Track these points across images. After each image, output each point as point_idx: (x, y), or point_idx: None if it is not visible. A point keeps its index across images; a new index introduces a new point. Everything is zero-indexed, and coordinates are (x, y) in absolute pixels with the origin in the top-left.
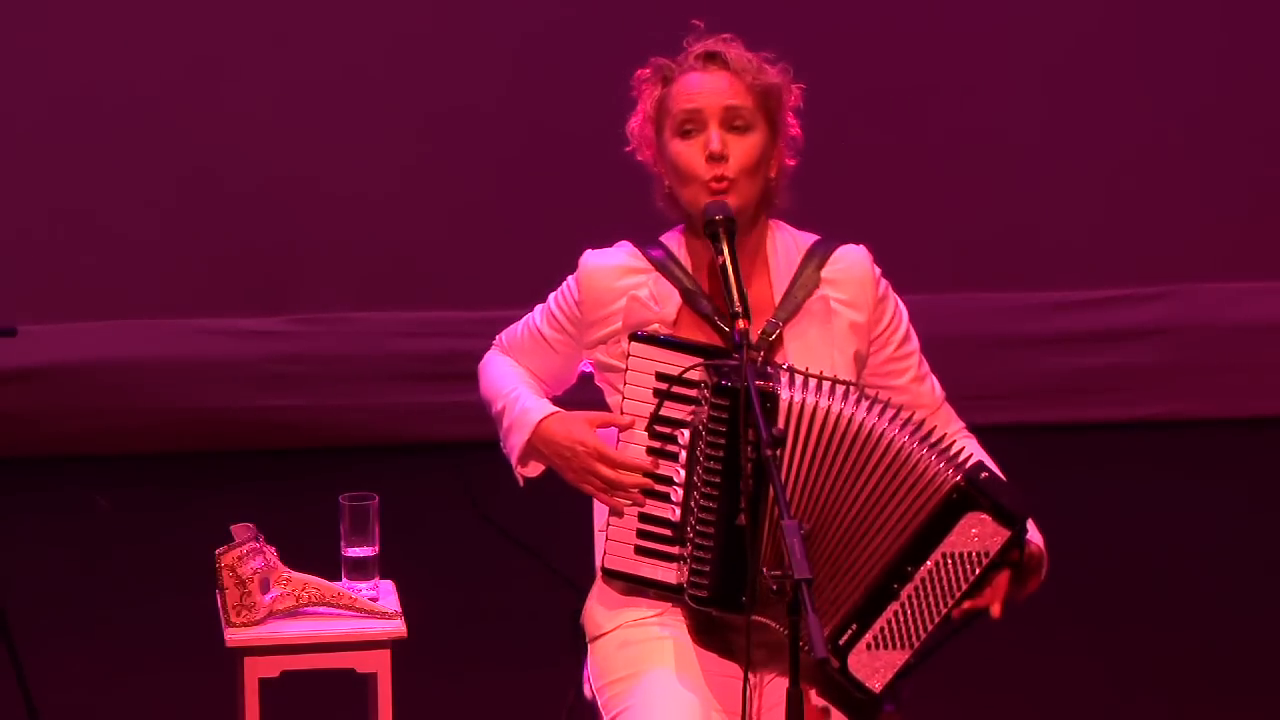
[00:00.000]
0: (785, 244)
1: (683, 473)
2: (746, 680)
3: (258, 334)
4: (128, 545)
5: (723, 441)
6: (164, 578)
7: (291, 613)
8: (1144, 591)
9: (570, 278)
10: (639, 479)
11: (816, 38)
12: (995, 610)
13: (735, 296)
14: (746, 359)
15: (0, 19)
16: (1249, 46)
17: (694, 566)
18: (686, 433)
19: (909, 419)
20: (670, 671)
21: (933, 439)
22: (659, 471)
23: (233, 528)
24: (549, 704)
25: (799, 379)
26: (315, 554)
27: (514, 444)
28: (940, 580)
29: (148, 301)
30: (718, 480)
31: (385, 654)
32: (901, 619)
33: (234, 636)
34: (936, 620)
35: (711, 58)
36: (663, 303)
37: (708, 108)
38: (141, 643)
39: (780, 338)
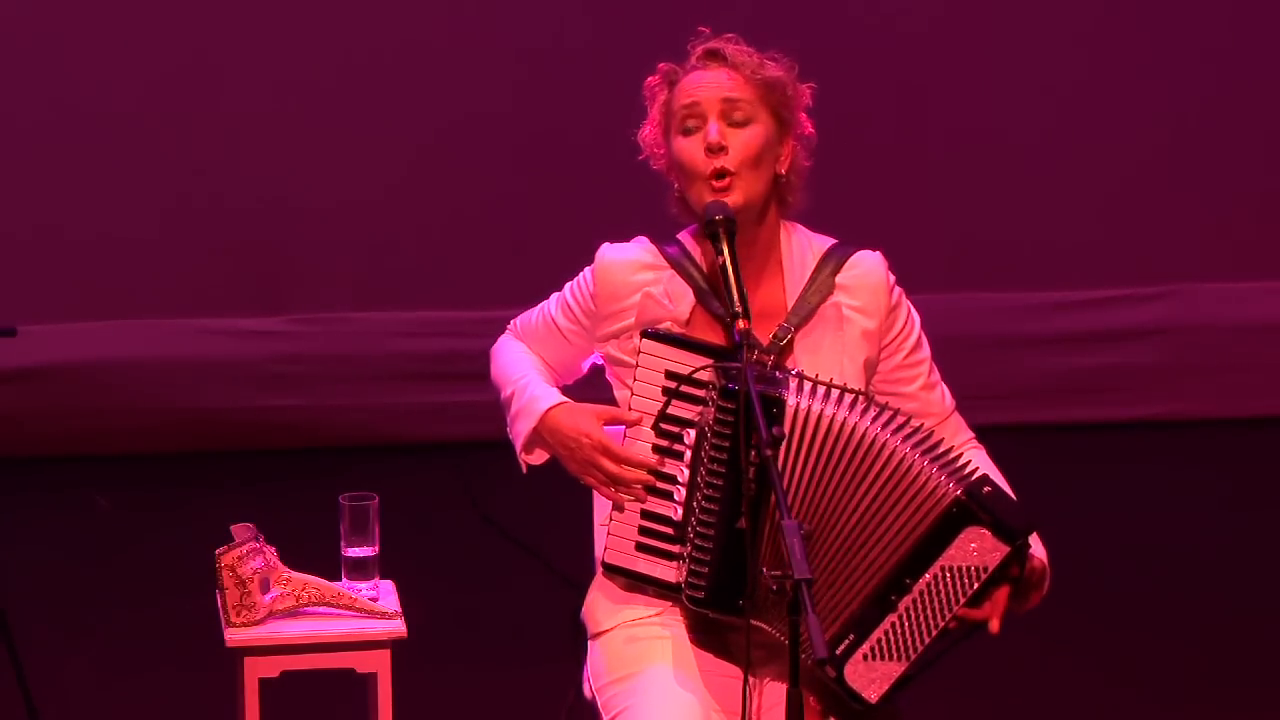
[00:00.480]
0: (800, 247)
1: (686, 472)
2: (746, 681)
3: (258, 334)
4: (128, 545)
5: (727, 444)
6: (164, 578)
7: (291, 613)
8: (1144, 591)
9: (587, 269)
10: (642, 475)
11: (816, 37)
12: (993, 625)
13: (735, 297)
14: (746, 359)
15: (0, 20)
16: (1249, 46)
17: (693, 567)
18: (693, 433)
19: (915, 430)
20: (669, 672)
21: (938, 451)
22: (663, 470)
23: (233, 528)
24: (549, 704)
25: (807, 385)
26: (315, 554)
27: (520, 430)
28: (938, 593)
29: (148, 301)
30: (720, 482)
31: (385, 654)
32: (899, 631)
33: (234, 636)
34: (934, 633)
35: (712, 55)
36: (676, 301)
37: (705, 101)
38: (141, 643)
39: (791, 343)
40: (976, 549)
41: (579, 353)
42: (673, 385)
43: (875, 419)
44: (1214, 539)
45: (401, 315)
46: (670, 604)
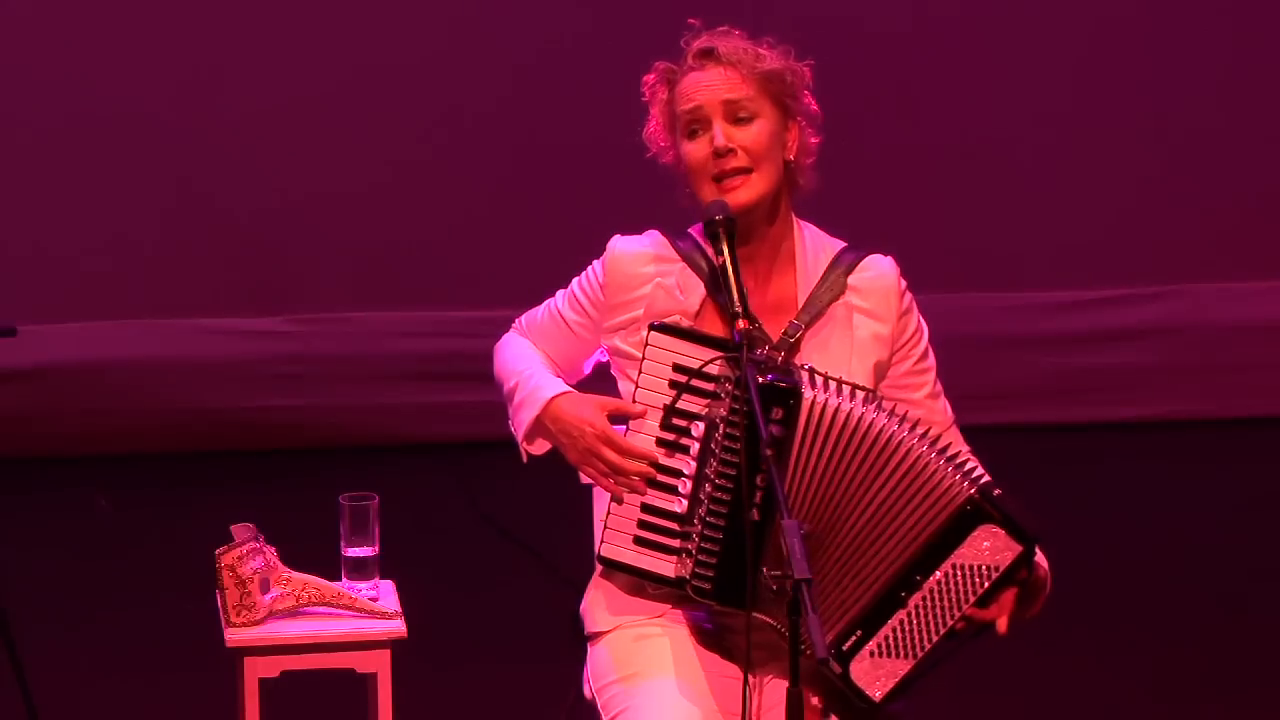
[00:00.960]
0: (814, 244)
1: (693, 465)
2: (746, 681)
3: (258, 334)
4: (128, 545)
5: (740, 434)
6: (164, 578)
7: (291, 613)
8: (1144, 591)
9: (596, 261)
10: (644, 468)
11: (817, 37)
12: (1001, 625)
13: (735, 297)
14: (746, 359)
15: (1, 22)
16: (1250, 46)
17: (700, 559)
18: (701, 425)
19: (926, 431)
20: (670, 672)
21: (949, 452)
22: (666, 463)
23: (233, 528)
24: (549, 704)
25: (819, 379)
26: (315, 554)
27: (522, 419)
28: (949, 591)
29: (148, 301)
30: (732, 474)
31: (385, 654)
32: (907, 628)
33: (234, 636)
34: (942, 631)
35: (707, 55)
36: (687, 293)
37: (707, 104)
38: (141, 643)
39: (800, 340)
40: (989, 548)
41: (584, 348)
42: (681, 378)
43: (889, 416)
44: (1214, 539)
45: (401, 315)
46: (670, 608)
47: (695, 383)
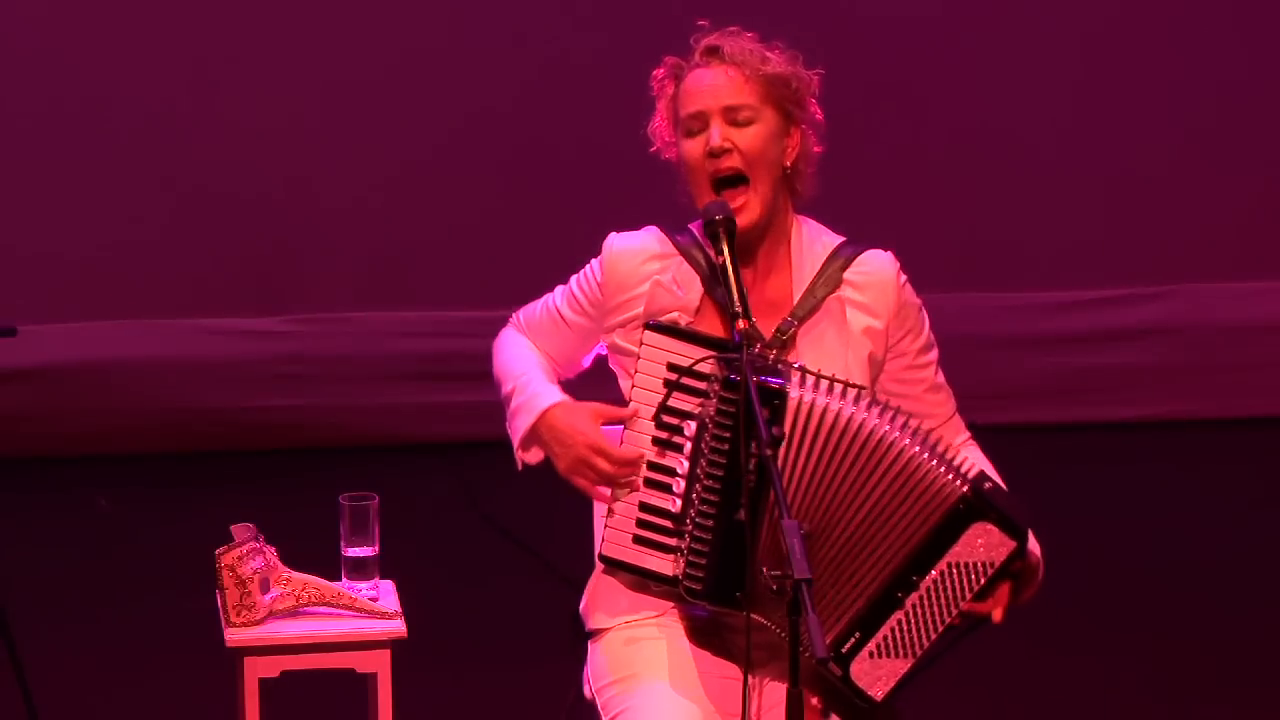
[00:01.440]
0: (811, 241)
1: (686, 464)
2: (746, 681)
3: (258, 334)
4: (128, 545)
5: (728, 435)
6: (164, 578)
7: (291, 613)
8: (1144, 591)
9: (594, 260)
10: (633, 479)
11: (817, 36)
12: (997, 615)
13: (735, 297)
14: (746, 359)
15: (1, 21)
16: (1251, 46)
17: (690, 559)
18: (693, 425)
19: (917, 428)
20: (669, 672)
21: (940, 448)
22: (662, 462)
23: (233, 528)
24: (549, 703)
25: (810, 379)
26: (315, 554)
27: (518, 426)
28: (945, 590)
29: (148, 301)
30: (720, 474)
31: (385, 654)
32: (905, 627)
33: (234, 636)
34: (939, 629)
35: (713, 52)
36: (686, 288)
37: (708, 106)
38: (141, 643)
39: (794, 337)
40: (983, 544)
41: (582, 345)
42: (674, 377)
43: (880, 414)
44: (1214, 538)
45: (401, 315)
46: (670, 607)
47: (687, 381)
